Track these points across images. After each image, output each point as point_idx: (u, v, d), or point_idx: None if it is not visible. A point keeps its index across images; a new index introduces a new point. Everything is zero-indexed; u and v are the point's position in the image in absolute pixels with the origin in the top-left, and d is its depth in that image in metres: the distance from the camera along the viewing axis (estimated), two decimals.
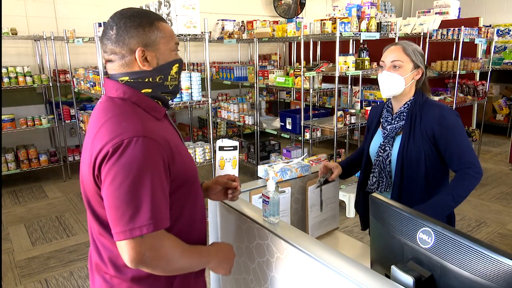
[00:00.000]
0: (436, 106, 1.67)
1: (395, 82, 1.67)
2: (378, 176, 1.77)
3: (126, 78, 1.07)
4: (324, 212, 1.96)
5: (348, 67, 3.88)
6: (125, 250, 0.95)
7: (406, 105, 1.72)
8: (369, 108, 4.14)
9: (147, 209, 0.94)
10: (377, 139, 1.82)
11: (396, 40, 4.11)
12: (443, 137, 1.61)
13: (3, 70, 4.57)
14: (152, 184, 0.96)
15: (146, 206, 0.95)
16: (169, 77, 1.13)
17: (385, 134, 1.75)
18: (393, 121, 1.74)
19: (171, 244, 1.01)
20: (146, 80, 1.09)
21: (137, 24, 1.05)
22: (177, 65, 1.14)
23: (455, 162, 1.61)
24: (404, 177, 1.68)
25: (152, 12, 1.11)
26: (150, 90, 1.10)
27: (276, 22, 4.80)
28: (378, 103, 4.42)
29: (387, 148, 1.73)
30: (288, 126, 4.60)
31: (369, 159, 1.87)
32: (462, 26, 4.68)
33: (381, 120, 1.81)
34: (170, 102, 1.22)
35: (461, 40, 4.70)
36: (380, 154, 1.75)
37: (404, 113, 1.71)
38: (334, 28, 3.67)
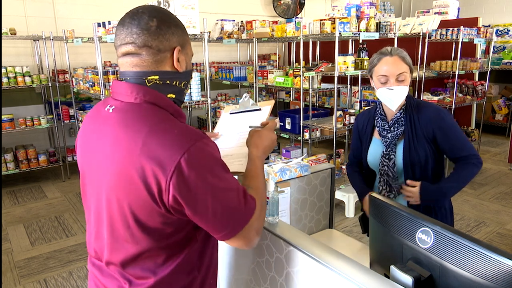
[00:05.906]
0: (432, 108, 1.71)
1: (404, 94, 1.69)
2: (385, 183, 1.78)
3: (156, 78, 0.98)
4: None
5: (347, 67, 3.88)
6: (238, 243, 1.00)
7: (401, 111, 1.73)
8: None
9: (238, 202, 0.96)
10: (375, 149, 1.81)
11: (396, 41, 4.13)
12: (444, 135, 1.67)
13: (2, 70, 4.56)
14: (228, 178, 0.95)
15: (232, 201, 0.95)
16: (188, 85, 1.07)
17: (387, 143, 1.74)
18: (392, 128, 1.74)
19: (255, 209, 1.01)
20: (174, 83, 1.01)
21: (176, 23, 0.99)
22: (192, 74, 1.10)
23: (457, 154, 1.68)
24: (416, 179, 1.70)
25: None
26: (174, 96, 1.02)
27: (276, 22, 4.79)
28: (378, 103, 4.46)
29: (391, 156, 1.73)
30: (288, 126, 4.60)
31: (369, 169, 1.88)
32: (461, 26, 4.69)
33: (376, 129, 1.81)
34: None
35: (460, 40, 4.70)
36: (385, 163, 1.75)
37: (402, 119, 1.72)
38: (333, 28, 3.67)
